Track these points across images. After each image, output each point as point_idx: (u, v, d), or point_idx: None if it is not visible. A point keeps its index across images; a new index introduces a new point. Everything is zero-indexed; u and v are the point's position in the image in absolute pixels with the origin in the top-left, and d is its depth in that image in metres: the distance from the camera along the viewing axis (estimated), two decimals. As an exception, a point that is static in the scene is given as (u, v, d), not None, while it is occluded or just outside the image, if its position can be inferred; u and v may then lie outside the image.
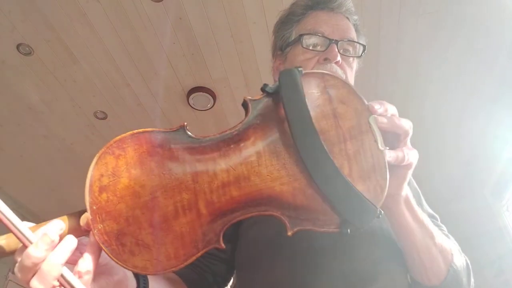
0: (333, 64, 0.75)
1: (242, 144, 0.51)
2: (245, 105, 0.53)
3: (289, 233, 0.49)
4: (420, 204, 0.82)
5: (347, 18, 0.84)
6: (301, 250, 0.67)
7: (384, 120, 0.54)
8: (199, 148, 0.50)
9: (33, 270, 0.41)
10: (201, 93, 2.60)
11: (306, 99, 0.50)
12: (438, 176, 3.47)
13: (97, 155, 0.48)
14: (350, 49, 0.81)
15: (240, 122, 0.52)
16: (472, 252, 3.42)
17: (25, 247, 0.42)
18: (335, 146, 0.51)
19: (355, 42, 0.81)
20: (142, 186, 0.46)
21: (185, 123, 0.51)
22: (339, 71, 0.76)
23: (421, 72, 2.55)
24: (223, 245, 0.47)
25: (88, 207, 0.46)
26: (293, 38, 0.83)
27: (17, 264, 0.42)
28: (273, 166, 0.50)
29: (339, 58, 0.76)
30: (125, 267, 0.45)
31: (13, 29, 2.15)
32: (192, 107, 2.69)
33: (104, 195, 0.46)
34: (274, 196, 0.49)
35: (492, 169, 3.40)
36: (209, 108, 2.72)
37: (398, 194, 0.60)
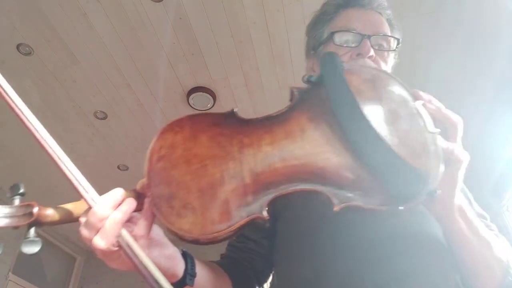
0: (366, 59, 0.75)
1: (286, 122, 0.55)
2: (290, 93, 0.59)
3: (335, 209, 0.48)
4: (469, 204, 0.79)
5: (380, 13, 0.84)
6: (345, 243, 0.66)
7: (432, 106, 0.56)
8: (246, 126, 0.56)
9: (96, 227, 0.46)
10: (201, 93, 2.60)
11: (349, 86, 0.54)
12: (438, 176, 3.47)
13: (158, 132, 0.53)
14: (384, 43, 0.81)
15: (285, 107, 0.57)
16: (472, 252, 3.35)
17: (91, 207, 0.48)
18: (382, 125, 0.52)
19: (388, 36, 0.81)
20: (194, 156, 0.52)
21: (235, 109, 0.57)
22: (373, 66, 0.76)
23: (420, 72, 2.55)
24: (266, 215, 0.48)
25: (145, 174, 0.51)
26: (325, 37, 0.83)
27: (82, 224, 0.48)
28: (317, 141, 0.53)
29: (372, 52, 0.76)
30: (171, 229, 0.47)
31: (13, 29, 2.15)
32: (192, 107, 2.70)
33: (160, 164, 0.51)
34: (318, 170, 0.51)
35: (492, 169, 3.40)
36: (209, 108, 2.72)
37: (451, 202, 0.58)
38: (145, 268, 0.46)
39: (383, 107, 0.54)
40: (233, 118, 0.56)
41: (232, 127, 0.55)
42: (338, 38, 0.79)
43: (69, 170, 0.53)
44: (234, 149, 0.52)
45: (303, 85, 0.60)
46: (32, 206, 0.51)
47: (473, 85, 2.63)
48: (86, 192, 0.50)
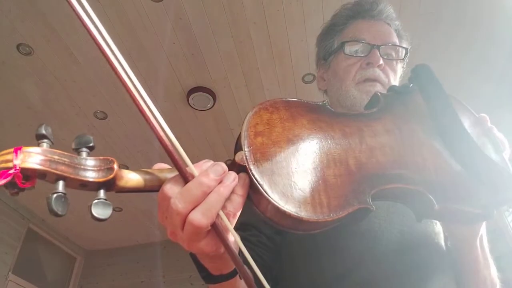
0: (376, 68, 0.78)
1: (382, 120, 0.56)
2: (375, 97, 0.61)
3: (436, 207, 0.49)
4: None
5: (388, 24, 0.87)
6: (367, 245, 0.67)
7: (496, 130, 0.61)
8: (342, 117, 0.55)
9: (197, 200, 0.40)
10: (201, 93, 2.60)
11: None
12: (438, 176, 3.47)
13: (251, 111, 0.50)
14: (393, 53, 0.83)
15: (374, 109, 0.59)
16: (472, 252, 3.34)
17: (187, 178, 0.41)
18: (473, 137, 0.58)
19: (397, 46, 0.83)
20: (296, 136, 0.49)
21: (326, 101, 0.56)
22: (382, 75, 0.78)
23: (421, 72, 2.55)
24: (372, 206, 0.47)
25: (244, 147, 0.46)
26: (335, 47, 0.85)
27: (176, 194, 0.41)
28: (414, 141, 0.55)
29: (381, 62, 0.78)
30: (278, 206, 0.43)
31: (13, 29, 2.16)
32: (192, 107, 2.70)
33: (259, 139, 0.47)
34: (418, 168, 0.52)
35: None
36: (209, 108, 2.72)
37: (478, 226, 0.62)
38: (234, 250, 0.42)
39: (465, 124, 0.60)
40: (327, 109, 0.55)
41: (329, 116, 0.54)
42: (348, 48, 0.81)
43: (166, 133, 0.45)
44: (338, 135, 0.51)
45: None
46: (112, 162, 0.45)
47: (473, 85, 2.63)
48: (186, 158, 0.41)
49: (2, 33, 2.18)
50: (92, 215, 0.42)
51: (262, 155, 0.46)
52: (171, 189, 0.42)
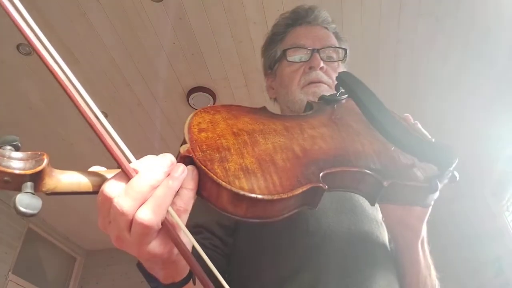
0: (318, 71, 0.81)
1: (319, 118, 0.61)
2: (308, 104, 0.67)
3: (385, 184, 0.51)
4: None
5: (325, 27, 0.91)
6: (316, 244, 0.68)
7: (420, 125, 0.69)
8: (281, 117, 0.59)
9: (144, 196, 0.36)
10: (201, 93, 2.60)
11: None
12: (438, 176, 3.46)
13: (192, 113, 0.51)
14: (334, 55, 0.87)
15: (309, 111, 0.64)
16: (472, 252, 3.46)
17: (131, 174, 0.37)
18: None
19: (336, 47, 0.87)
20: (240, 129, 0.51)
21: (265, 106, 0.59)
22: (325, 77, 0.81)
23: (420, 72, 2.55)
24: (325, 185, 0.47)
25: (188, 141, 0.46)
26: (278, 55, 0.88)
27: (122, 191, 0.37)
28: (350, 132, 0.59)
29: (322, 64, 0.81)
30: (231, 188, 0.41)
31: (13, 29, 2.15)
32: (192, 107, 2.69)
33: (203, 134, 0.48)
34: (359, 153, 0.55)
35: (492, 169, 3.40)
36: (209, 108, 2.72)
37: (418, 228, 0.67)
38: (188, 251, 0.38)
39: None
40: (266, 111, 0.58)
41: (269, 115, 0.57)
42: (290, 55, 0.85)
43: (105, 128, 0.39)
44: (278, 127, 0.54)
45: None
46: (42, 154, 0.39)
47: (473, 85, 2.63)
48: (126, 153, 0.37)
49: (2, 33, 2.18)
50: (17, 208, 0.36)
51: (208, 146, 0.46)
52: (113, 188, 0.37)
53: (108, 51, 2.31)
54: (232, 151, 0.47)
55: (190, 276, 0.46)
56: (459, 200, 3.67)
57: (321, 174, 0.49)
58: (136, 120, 2.80)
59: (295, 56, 0.84)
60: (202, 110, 0.52)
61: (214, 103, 2.67)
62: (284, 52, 0.85)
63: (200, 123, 0.50)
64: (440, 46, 2.38)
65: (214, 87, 2.60)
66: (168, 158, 0.40)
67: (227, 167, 0.44)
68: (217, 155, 0.45)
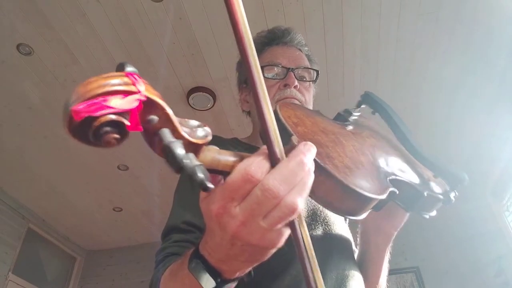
0: (292, 89, 0.85)
1: (362, 131, 0.64)
2: (340, 116, 0.69)
3: (425, 194, 0.56)
4: None
5: (299, 49, 0.97)
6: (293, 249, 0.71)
7: None
8: (337, 123, 0.62)
9: (295, 182, 0.35)
10: (201, 93, 2.60)
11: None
12: (438, 176, 3.46)
13: (275, 106, 0.50)
14: (306, 75, 0.92)
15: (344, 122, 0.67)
16: (472, 252, 3.46)
17: (278, 160, 0.35)
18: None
19: (309, 68, 0.93)
20: (324, 129, 0.52)
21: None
22: (298, 94, 0.86)
23: (420, 73, 2.55)
24: (396, 190, 0.51)
25: (293, 133, 0.45)
26: None
27: (274, 177, 0.34)
28: (388, 150, 0.63)
29: (296, 83, 0.86)
30: (347, 184, 0.42)
31: (13, 29, 2.15)
32: (192, 107, 2.69)
33: (300, 128, 0.48)
34: (401, 168, 0.59)
35: (492, 169, 3.40)
36: (209, 108, 2.72)
37: (392, 235, 0.74)
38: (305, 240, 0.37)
39: None
40: (323, 115, 0.61)
41: (329, 120, 0.60)
42: (266, 72, 0.89)
43: (269, 110, 0.36)
44: (346, 131, 0.56)
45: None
46: (205, 125, 0.39)
47: (473, 86, 2.63)
48: (279, 139, 0.36)
49: (2, 33, 2.18)
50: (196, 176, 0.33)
51: (311, 141, 0.43)
52: (259, 169, 0.35)
53: (108, 51, 2.31)
54: (330, 148, 0.47)
55: (250, 274, 0.45)
56: (459, 200, 3.66)
57: (388, 179, 0.52)
58: (136, 120, 2.80)
59: (271, 73, 0.89)
60: (282, 104, 0.52)
61: (214, 103, 2.67)
62: (261, 68, 0.86)
63: (289, 116, 0.48)
64: (440, 46, 2.37)
65: (214, 87, 2.60)
66: (312, 147, 0.39)
67: (335, 164, 0.44)
68: (322, 150, 0.44)
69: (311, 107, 0.89)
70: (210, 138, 0.37)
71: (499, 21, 2.24)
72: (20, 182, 3.37)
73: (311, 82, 0.93)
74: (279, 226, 0.36)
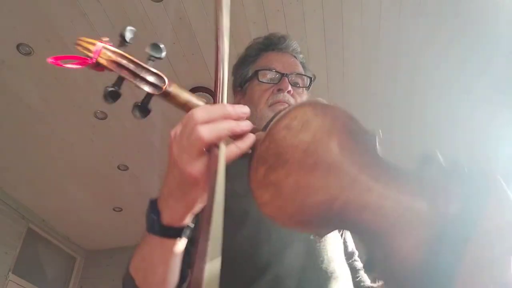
0: (286, 94, 0.88)
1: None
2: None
3: None
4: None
5: (294, 56, 0.99)
6: (276, 251, 0.74)
7: None
8: (375, 158, 0.48)
9: (214, 119, 0.46)
10: (201, 93, 2.60)
11: None
12: (438, 176, 3.46)
13: (305, 101, 0.51)
14: (299, 81, 0.94)
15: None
16: (472, 252, 3.34)
17: (217, 103, 0.49)
18: None
19: (303, 75, 0.96)
20: (314, 151, 0.47)
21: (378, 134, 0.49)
22: (292, 100, 0.88)
23: (420, 72, 2.55)
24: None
25: (268, 130, 0.47)
26: (250, 75, 0.96)
27: (201, 109, 0.47)
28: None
29: (290, 88, 0.89)
30: (253, 189, 0.46)
31: (13, 29, 2.16)
32: (192, 107, 2.70)
33: (283, 132, 0.47)
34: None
35: (491, 169, 3.40)
36: (209, 108, 2.72)
37: None
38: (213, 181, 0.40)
39: None
40: (371, 140, 0.49)
41: (364, 147, 0.48)
42: (261, 76, 0.92)
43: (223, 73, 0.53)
44: (353, 170, 0.47)
45: None
46: (164, 79, 0.54)
47: (473, 85, 2.63)
48: (225, 94, 0.50)
49: (2, 33, 2.18)
50: (134, 113, 0.55)
51: (275, 147, 0.49)
52: (200, 110, 0.47)
53: (108, 51, 2.31)
54: (286, 165, 0.46)
55: (181, 234, 0.52)
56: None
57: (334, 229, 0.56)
58: (136, 120, 2.80)
59: (266, 77, 0.92)
60: (313, 104, 0.48)
61: (213, 103, 2.67)
62: (256, 72, 0.93)
63: (295, 117, 0.47)
64: (440, 46, 2.37)
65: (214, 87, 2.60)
66: (246, 111, 0.48)
67: (268, 175, 0.46)
68: (272, 160, 0.46)
69: None
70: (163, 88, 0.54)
71: (499, 21, 2.24)
72: (20, 182, 3.37)
73: (304, 88, 0.95)
74: (193, 150, 0.45)
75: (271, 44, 1.00)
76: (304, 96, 0.95)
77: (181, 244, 0.54)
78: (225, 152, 0.45)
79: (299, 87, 0.94)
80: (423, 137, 3.05)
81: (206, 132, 0.44)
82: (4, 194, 3.44)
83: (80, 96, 2.59)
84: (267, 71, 0.92)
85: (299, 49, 1.02)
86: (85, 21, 2.14)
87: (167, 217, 0.51)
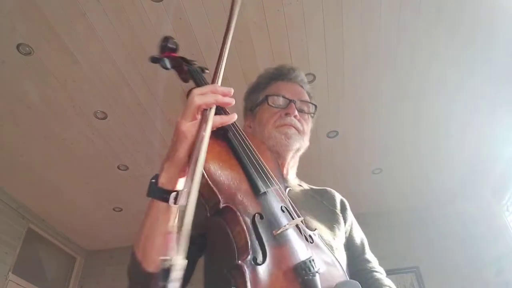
0: (292, 118, 0.98)
1: None
2: None
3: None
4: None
5: (301, 86, 1.08)
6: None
7: None
8: None
9: (205, 92, 0.65)
10: (201, 93, 2.60)
11: None
12: (439, 176, 3.46)
13: None
14: (305, 108, 1.03)
15: None
16: (472, 252, 3.45)
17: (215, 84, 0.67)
18: None
19: (308, 102, 1.05)
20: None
21: None
22: (297, 124, 0.98)
23: (420, 72, 2.55)
24: None
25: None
26: (260, 100, 1.06)
27: (203, 87, 0.67)
28: None
29: (296, 112, 0.99)
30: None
31: (13, 29, 2.15)
32: (192, 107, 2.69)
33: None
34: None
35: (492, 169, 3.40)
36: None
37: None
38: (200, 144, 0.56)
39: None
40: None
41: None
42: (271, 100, 1.02)
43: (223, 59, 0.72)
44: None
45: None
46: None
47: (473, 85, 2.63)
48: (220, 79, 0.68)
49: (2, 33, 2.18)
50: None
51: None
52: (197, 88, 0.67)
53: (108, 51, 2.31)
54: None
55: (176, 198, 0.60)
56: (459, 200, 3.67)
57: None
58: (136, 120, 2.80)
59: (275, 102, 1.01)
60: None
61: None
62: (267, 97, 1.03)
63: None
64: (440, 46, 2.37)
65: (214, 87, 2.60)
66: (230, 90, 0.68)
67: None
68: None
69: (307, 137, 1.02)
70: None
71: (499, 20, 2.24)
72: (20, 182, 3.37)
73: (309, 114, 1.04)
74: (188, 112, 0.64)
75: (281, 74, 1.09)
76: (309, 121, 1.04)
77: (174, 210, 0.60)
78: (212, 117, 0.62)
79: (305, 113, 1.02)
80: (424, 138, 3.05)
81: (198, 99, 0.63)
82: (4, 194, 3.44)
83: (80, 96, 2.59)
84: (276, 97, 1.02)
85: (306, 80, 1.12)
86: (85, 21, 2.14)
87: (162, 179, 0.62)
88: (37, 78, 2.45)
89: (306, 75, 2.90)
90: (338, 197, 1.02)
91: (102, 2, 2.06)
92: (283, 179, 0.80)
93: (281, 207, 0.65)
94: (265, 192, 0.65)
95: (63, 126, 2.83)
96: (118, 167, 3.24)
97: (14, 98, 2.57)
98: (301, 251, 0.60)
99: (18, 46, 2.24)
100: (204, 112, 0.63)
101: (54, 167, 3.20)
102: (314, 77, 2.55)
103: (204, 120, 0.60)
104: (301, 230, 0.65)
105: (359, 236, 1.00)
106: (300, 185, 1.01)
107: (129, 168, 3.25)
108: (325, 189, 1.03)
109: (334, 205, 0.97)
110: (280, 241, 0.58)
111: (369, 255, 0.98)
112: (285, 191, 0.74)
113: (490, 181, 3.54)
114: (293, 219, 0.65)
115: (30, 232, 3.70)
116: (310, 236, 0.67)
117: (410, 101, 2.73)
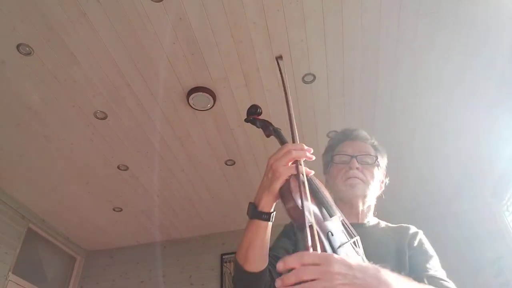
0: (355, 170, 1.15)
1: None
2: None
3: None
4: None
5: (364, 142, 1.26)
6: None
7: None
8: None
9: (299, 147, 0.78)
10: (201, 93, 2.60)
11: None
12: (439, 176, 3.46)
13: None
14: (368, 160, 1.19)
15: None
16: (472, 252, 3.44)
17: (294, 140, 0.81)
18: None
19: (368, 154, 1.20)
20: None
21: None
22: (360, 175, 1.15)
23: (421, 73, 2.55)
24: None
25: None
26: (330, 159, 1.25)
27: (292, 145, 0.79)
28: None
29: (357, 165, 1.16)
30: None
31: (13, 29, 2.16)
32: (192, 107, 2.69)
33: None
34: None
35: (492, 169, 3.40)
36: (209, 108, 2.72)
37: None
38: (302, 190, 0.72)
39: None
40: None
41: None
42: (336, 159, 1.21)
43: (291, 115, 0.84)
44: None
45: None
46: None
47: (473, 85, 2.63)
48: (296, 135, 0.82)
49: (2, 33, 2.18)
50: None
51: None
52: (290, 144, 0.81)
53: (108, 51, 2.31)
54: None
55: (269, 218, 0.83)
56: (459, 200, 3.67)
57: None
58: (136, 120, 2.80)
59: (340, 160, 1.20)
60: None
61: (214, 103, 2.67)
62: (332, 157, 1.23)
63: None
64: (440, 46, 2.37)
65: (214, 87, 2.60)
66: (307, 147, 0.80)
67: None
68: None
69: (372, 185, 1.16)
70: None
71: (499, 21, 2.24)
72: (20, 182, 3.37)
73: (373, 165, 1.20)
74: (285, 160, 0.78)
75: (346, 135, 1.28)
76: (373, 171, 1.19)
77: (269, 226, 0.84)
78: (303, 166, 0.78)
79: (368, 164, 1.19)
80: (425, 138, 3.05)
81: (295, 153, 0.77)
82: (4, 194, 3.44)
83: (80, 96, 2.59)
84: (341, 155, 1.21)
85: (369, 137, 1.28)
86: (85, 21, 2.14)
87: (260, 205, 0.82)
88: (37, 78, 2.45)
89: (306, 75, 2.89)
90: (411, 230, 1.13)
91: (102, 2, 2.06)
92: (358, 224, 1.07)
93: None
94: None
95: (63, 126, 2.83)
96: (118, 167, 3.24)
97: (14, 98, 2.57)
98: None
99: (18, 46, 2.24)
100: (296, 162, 0.78)
101: (54, 167, 3.20)
102: (314, 77, 2.55)
103: (297, 166, 0.77)
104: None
105: (420, 256, 1.05)
106: (378, 224, 1.17)
107: (129, 168, 3.25)
108: (401, 226, 1.16)
109: (404, 240, 1.08)
110: None
111: (431, 271, 1.04)
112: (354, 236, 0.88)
113: (490, 181, 3.54)
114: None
115: (30, 232, 3.70)
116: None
117: (410, 102, 2.73)
